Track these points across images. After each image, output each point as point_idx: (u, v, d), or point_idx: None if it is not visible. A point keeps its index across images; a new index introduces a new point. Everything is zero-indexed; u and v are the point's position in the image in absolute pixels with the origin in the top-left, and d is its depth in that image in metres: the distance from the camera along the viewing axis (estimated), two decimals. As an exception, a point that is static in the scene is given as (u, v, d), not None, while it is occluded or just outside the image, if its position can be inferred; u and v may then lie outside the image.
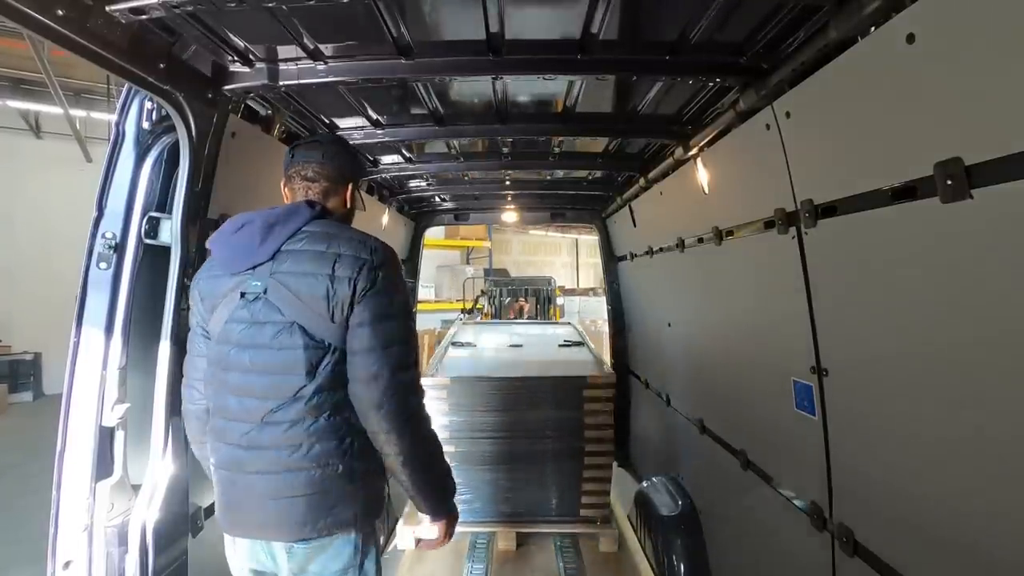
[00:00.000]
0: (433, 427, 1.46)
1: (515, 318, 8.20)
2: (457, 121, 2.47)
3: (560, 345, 3.82)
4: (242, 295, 1.36)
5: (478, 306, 8.86)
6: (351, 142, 2.52)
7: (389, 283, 1.37)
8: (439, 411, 2.83)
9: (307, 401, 1.30)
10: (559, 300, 8.97)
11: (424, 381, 2.50)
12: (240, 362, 1.35)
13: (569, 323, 4.74)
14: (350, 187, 1.55)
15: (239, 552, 1.41)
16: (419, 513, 1.55)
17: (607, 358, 4.95)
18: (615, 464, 3.32)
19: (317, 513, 1.31)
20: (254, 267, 1.36)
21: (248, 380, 1.34)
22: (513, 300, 8.46)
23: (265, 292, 1.35)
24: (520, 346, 3.83)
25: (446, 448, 2.49)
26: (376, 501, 1.43)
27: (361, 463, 1.36)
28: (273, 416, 1.31)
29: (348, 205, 1.56)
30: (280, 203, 1.49)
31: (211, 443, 1.41)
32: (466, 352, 3.72)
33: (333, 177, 1.51)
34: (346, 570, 1.37)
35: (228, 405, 1.36)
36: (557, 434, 2.85)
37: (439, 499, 1.51)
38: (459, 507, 2.51)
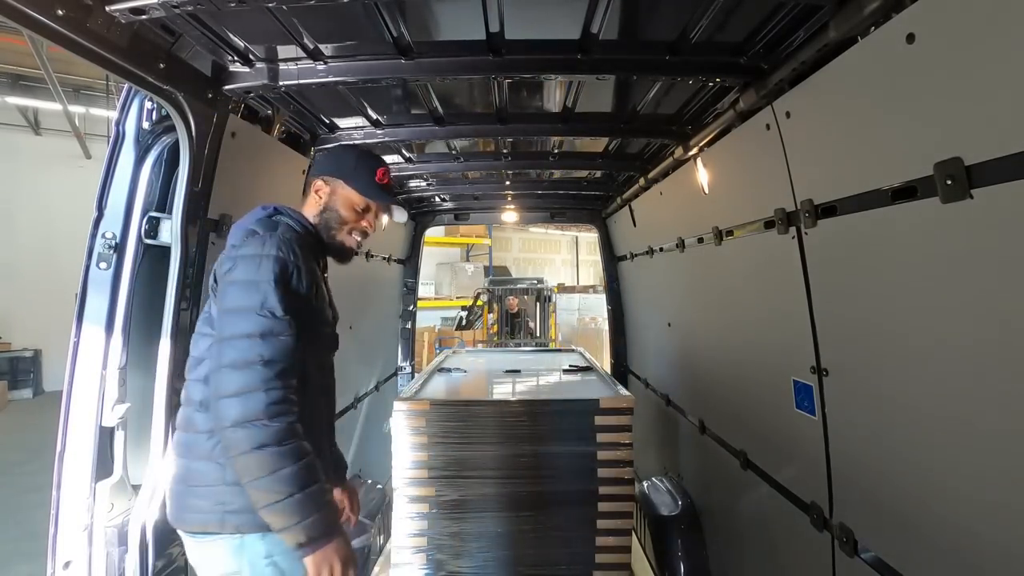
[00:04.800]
0: (286, 444, 1.16)
1: (509, 312, 8.27)
2: (457, 121, 2.46)
3: (565, 370, 3.32)
4: None
5: (478, 302, 8.82)
6: (350, 141, 2.53)
7: (248, 269, 1.23)
8: (414, 444, 2.34)
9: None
10: (555, 296, 9.02)
11: (398, 405, 2.37)
12: None
13: (575, 349, 4.27)
14: (318, 181, 1.53)
15: None
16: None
17: (607, 359, 4.95)
18: None
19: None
20: None
21: None
22: (506, 296, 8.58)
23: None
24: (518, 371, 3.34)
25: (422, 492, 2.27)
26: None
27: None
28: None
29: (305, 194, 1.56)
30: (278, 202, 1.50)
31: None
32: (453, 378, 3.20)
33: (312, 180, 1.54)
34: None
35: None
36: (563, 473, 2.33)
37: (288, 515, 1.14)
38: (440, 567, 2.29)
